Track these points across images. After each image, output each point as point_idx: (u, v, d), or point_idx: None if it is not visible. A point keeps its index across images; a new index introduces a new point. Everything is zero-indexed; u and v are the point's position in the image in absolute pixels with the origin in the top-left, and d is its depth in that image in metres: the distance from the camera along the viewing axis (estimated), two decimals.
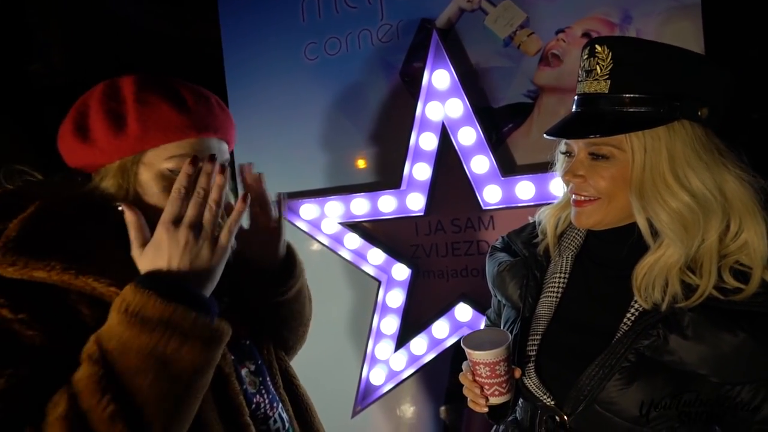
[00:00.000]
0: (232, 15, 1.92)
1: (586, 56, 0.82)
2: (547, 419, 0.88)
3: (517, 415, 1.01)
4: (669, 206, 0.75)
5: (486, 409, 0.90)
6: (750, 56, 1.99)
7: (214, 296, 0.74)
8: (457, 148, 1.64)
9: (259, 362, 0.94)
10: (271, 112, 1.91)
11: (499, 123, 1.66)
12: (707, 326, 0.74)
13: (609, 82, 0.78)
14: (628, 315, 0.82)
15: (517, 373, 0.90)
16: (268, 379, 0.94)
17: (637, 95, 0.76)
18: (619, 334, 0.82)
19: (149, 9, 2.52)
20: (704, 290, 0.75)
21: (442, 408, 1.81)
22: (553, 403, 0.87)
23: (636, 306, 0.82)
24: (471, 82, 1.64)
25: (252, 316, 0.98)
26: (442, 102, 1.63)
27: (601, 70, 0.78)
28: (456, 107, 1.62)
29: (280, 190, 1.88)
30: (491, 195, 1.61)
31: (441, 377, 1.79)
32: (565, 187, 0.92)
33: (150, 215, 0.75)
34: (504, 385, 0.87)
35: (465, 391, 0.92)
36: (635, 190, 0.77)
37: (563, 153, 0.89)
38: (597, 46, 0.79)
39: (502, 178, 1.59)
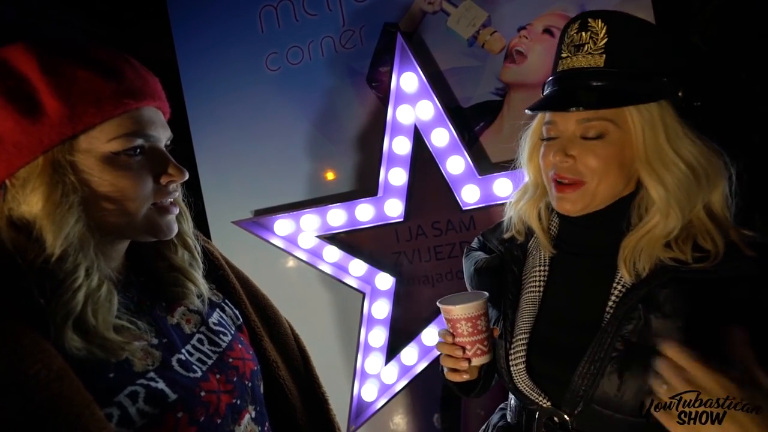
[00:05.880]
0: (186, 32, 1.85)
1: (575, 30, 0.80)
2: (546, 421, 0.84)
3: (508, 418, 0.97)
4: (673, 176, 0.76)
5: (467, 375, 0.88)
6: (695, 43, 2.10)
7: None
8: (431, 150, 1.62)
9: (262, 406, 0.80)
10: (235, 128, 1.84)
11: (470, 122, 1.65)
12: (682, 300, 0.74)
13: (604, 56, 0.76)
14: (610, 303, 0.80)
15: (496, 332, 0.89)
16: (267, 425, 0.80)
17: (633, 72, 0.76)
18: (603, 324, 0.79)
19: (93, 33, 2.39)
20: (718, 251, 0.74)
21: (436, 416, 1.77)
22: (549, 404, 0.84)
23: (615, 293, 0.80)
24: (439, 84, 1.63)
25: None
26: (412, 105, 1.61)
27: (594, 43, 0.77)
28: (427, 109, 1.60)
29: (252, 207, 1.86)
30: (469, 195, 1.60)
31: (433, 385, 1.74)
32: (544, 170, 0.86)
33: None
34: (485, 342, 0.87)
35: (444, 360, 0.90)
36: (644, 163, 0.77)
37: (545, 138, 0.84)
38: (590, 19, 0.78)
39: (479, 177, 1.58)
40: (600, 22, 0.77)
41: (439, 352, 0.92)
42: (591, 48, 0.77)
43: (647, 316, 0.75)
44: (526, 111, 0.87)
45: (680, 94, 0.79)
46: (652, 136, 0.76)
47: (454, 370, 0.89)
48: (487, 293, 0.87)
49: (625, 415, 0.75)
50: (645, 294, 0.76)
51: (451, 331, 0.88)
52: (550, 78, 0.84)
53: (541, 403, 0.85)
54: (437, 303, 0.89)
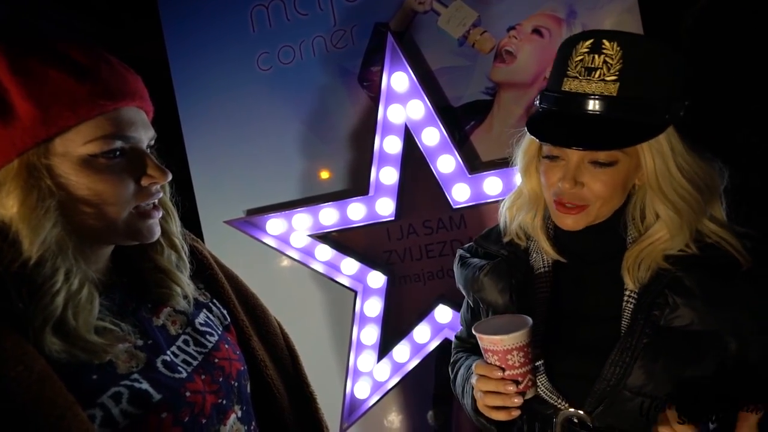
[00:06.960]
0: (177, 32, 1.85)
1: (586, 50, 0.75)
2: (564, 422, 0.83)
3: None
4: (683, 200, 0.77)
5: (517, 412, 0.79)
6: (684, 44, 2.12)
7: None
8: (422, 149, 1.63)
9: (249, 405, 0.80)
10: (227, 128, 1.84)
11: (461, 121, 1.66)
12: (709, 282, 0.76)
13: (618, 84, 0.73)
14: (627, 293, 0.82)
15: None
16: (253, 424, 0.80)
17: (645, 102, 0.74)
18: (625, 314, 0.81)
19: (85, 31, 2.38)
20: (740, 250, 0.77)
21: (430, 413, 1.78)
22: (567, 405, 0.83)
23: (629, 290, 0.82)
24: (430, 83, 1.65)
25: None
26: (403, 104, 1.63)
27: (608, 69, 0.73)
28: (417, 108, 1.61)
29: (245, 207, 1.87)
30: (460, 193, 1.61)
31: (425, 382, 1.76)
32: (546, 188, 0.84)
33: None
34: (533, 372, 0.80)
35: (489, 399, 0.80)
36: (655, 190, 0.78)
37: (547, 157, 0.82)
38: (605, 41, 0.73)
39: (469, 176, 1.60)
40: (615, 46, 0.73)
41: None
42: (604, 73, 0.73)
43: (675, 299, 0.77)
44: (529, 134, 0.82)
45: (683, 113, 0.77)
46: (662, 164, 0.76)
47: (500, 408, 0.80)
48: (528, 317, 0.80)
49: (654, 400, 0.77)
50: (669, 281, 0.78)
51: (499, 364, 0.79)
52: (554, 94, 0.80)
53: (558, 405, 0.84)
54: (475, 333, 0.79)
